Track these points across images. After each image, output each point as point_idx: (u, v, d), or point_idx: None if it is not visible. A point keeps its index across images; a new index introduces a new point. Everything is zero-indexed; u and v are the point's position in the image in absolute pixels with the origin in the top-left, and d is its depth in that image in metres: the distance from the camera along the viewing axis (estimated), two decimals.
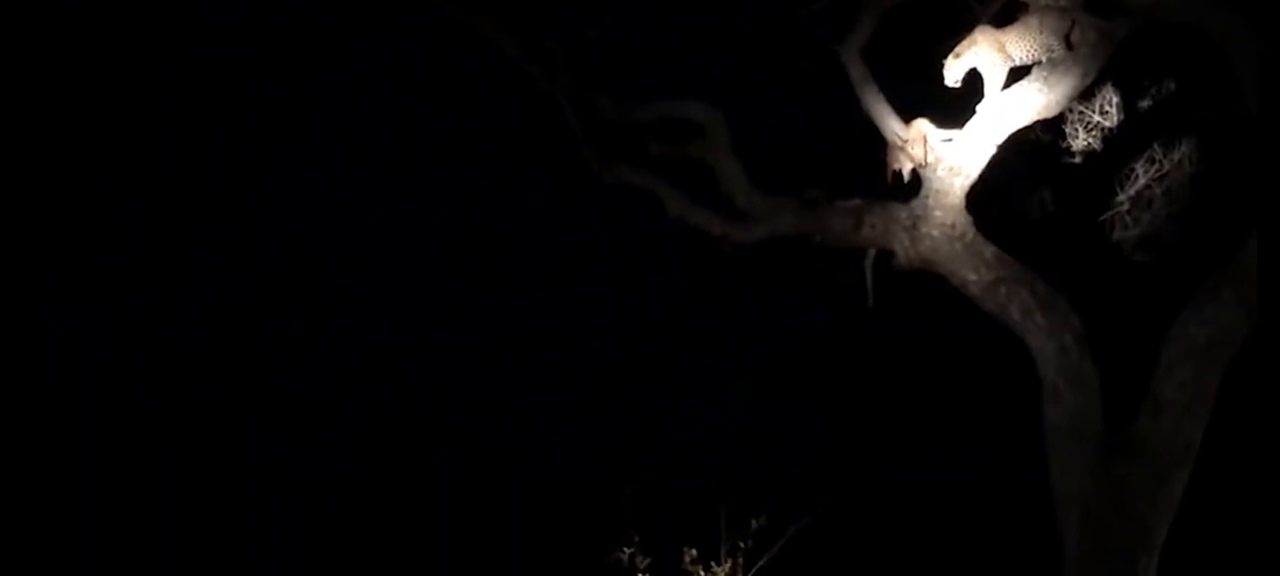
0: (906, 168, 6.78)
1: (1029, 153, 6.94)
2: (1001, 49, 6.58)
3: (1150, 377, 6.43)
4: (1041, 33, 6.51)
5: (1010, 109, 6.63)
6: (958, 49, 6.62)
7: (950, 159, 6.63)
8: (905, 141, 6.62)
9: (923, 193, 6.70)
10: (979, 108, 6.63)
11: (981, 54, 6.58)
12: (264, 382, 10.93)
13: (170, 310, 10.88)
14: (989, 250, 6.60)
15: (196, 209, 10.95)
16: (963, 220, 6.65)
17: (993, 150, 6.65)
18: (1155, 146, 6.88)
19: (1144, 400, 6.42)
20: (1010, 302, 6.55)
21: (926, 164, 6.61)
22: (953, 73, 6.64)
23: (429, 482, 10.77)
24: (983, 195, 6.79)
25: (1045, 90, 6.57)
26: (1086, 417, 6.47)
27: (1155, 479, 6.41)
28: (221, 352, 10.94)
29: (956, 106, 6.72)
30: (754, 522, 7.80)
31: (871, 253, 7.01)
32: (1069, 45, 6.47)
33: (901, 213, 6.73)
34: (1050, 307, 6.52)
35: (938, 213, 6.64)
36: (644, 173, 7.16)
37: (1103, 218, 6.95)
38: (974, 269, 6.59)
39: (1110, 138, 6.98)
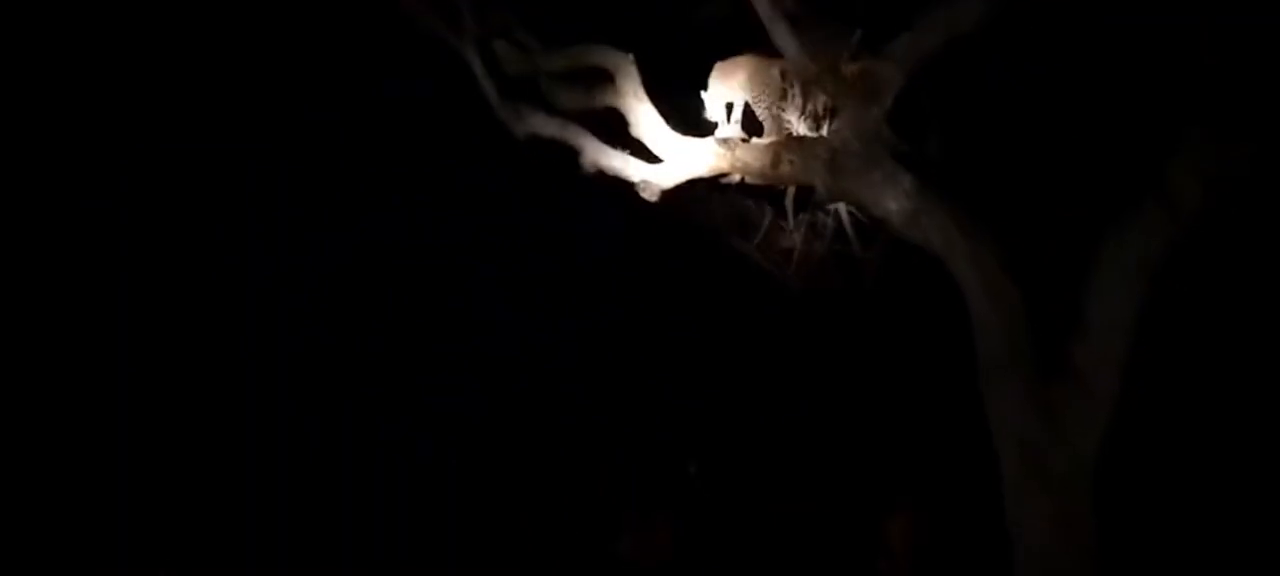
0: (820, 102, 6.35)
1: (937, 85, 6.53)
2: (729, 81, 6.55)
3: (1078, 301, 6.07)
4: None
5: (926, 39, 6.23)
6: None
7: (865, 88, 6.19)
8: (817, 74, 6.18)
9: (840, 125, 6.27)
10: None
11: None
12: (260, 387, 10.42)
13: (170, 310, 10.51)
14: (908, 179, 6.20)
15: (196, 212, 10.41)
16: (880, 150, 6.23)
17: (904, 79, 6.23)
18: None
19: (1072, 323, 6.06)
20: (931, 231, 6.15)
21: (840, 95, 6.17)
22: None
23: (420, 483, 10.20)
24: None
25: (961, 15, 6.18)
26: (1015, 343, 6.11)
27: (1087, 401, 6.08)
28: (222, 353, 10.49)
29: (874, 36, 6.30)
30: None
31: (791, 190, 6.58)
32: None
33: (819, 146, 6.29)
34: (972, 235, 6.12)
35: (856, 144, 6.21)
36: (556, 122, 6.66)
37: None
38: (894, 199, 6.18)
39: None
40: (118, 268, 10.29)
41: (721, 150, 6.44)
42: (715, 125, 6.67)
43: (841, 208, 6.65)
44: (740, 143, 6.45)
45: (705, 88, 6.60)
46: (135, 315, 10.41)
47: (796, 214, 6.76)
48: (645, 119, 6.52)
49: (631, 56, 6.51)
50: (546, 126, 6.69)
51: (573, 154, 6.68)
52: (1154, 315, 6.17)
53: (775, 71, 6.41)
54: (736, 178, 6.48)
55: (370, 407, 10.25)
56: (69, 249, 10.19)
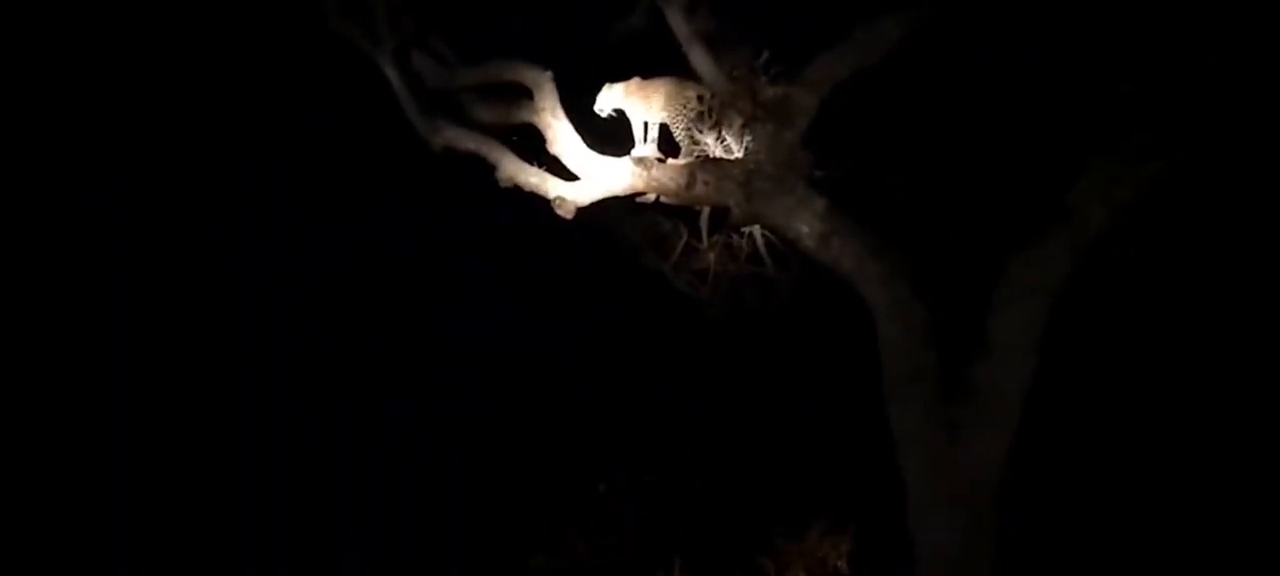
0: (736, 125, 6.38)
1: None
2: (647, 101, 6.53)
3: (983, 321, 6.20)
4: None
5: (837, 64, 6.30)
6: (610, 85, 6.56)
7: (780, 112, 6.24)
8: (733, 96, 6.21)
9: (754, 148, 6.31)
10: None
11: (629, 101, 6.54)
12: (260, 387, 10.38)
13: (170, 310, 10.47)
14: (820, 203, 6.25)
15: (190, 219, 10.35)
16: (793, 174, 6.28)
17: (818, 103, 6.29)
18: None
19: (978, 343, 6.19)
20: (843, 254, 6.21)
21: (756, 118, 6.20)
22: (601, 103, 6.59)
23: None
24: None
25: (870, 42, 6.26)
26: (921, 363, 6.18)
27: (991, 419, 6.18)
28: (222, 353, 10.45)
29: (789, 60, 6.35)
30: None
31: (706, 210, 6.62)
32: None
33: (734, 168, 6.32)
34: (881, 257, 6.20)
35: (769, 167, 6.25)
36: (474, 136, 6.60)
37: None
38: (806, 222, 6.23)
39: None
40: (118, 268, 10.19)
41: (637, 169, 6.44)
42: (625, 136, 6.67)
43: (756, 229, 6.69)
44: (656, 162, 6.45)
45: (608, 94, 6.59)
46: (135, 315, 10.32)
47: (711, 234, 6.80)
48: (562, 136, 6.50)
49: (550, 73, 6.48)
50: (464, 140, 6.64)
51: (489, 168, 6.63)
52: (1059, 334, 6.35)
53: (691, 93, 6.42)
54: (652, 197, 6.49)
55: (370, 407, 10.20)
56: (69, 249, 10.09)
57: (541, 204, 6.61)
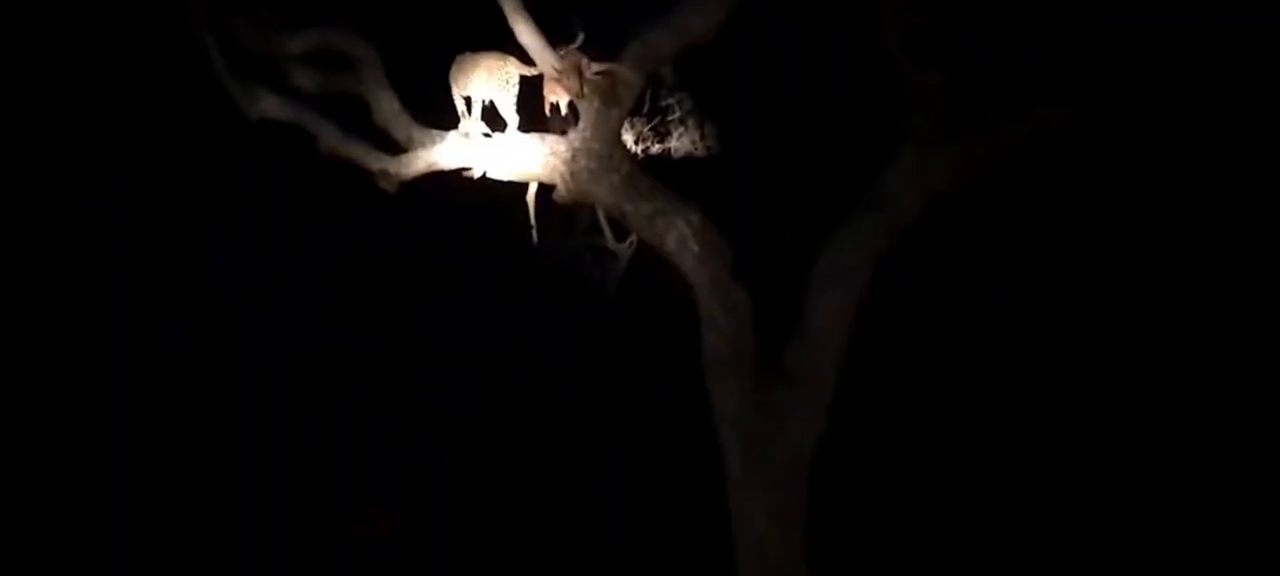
0: (563, 100, 6.34)
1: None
2: (467, 76, 6.38)
3: (799, 304, 6.32)
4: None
5: (662, 42, 6.29)
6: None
7: (607, 90, 6.21)
8: (560, 72, 6.15)
9: (580, 125, 6.28)
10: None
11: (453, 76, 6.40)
12: (253, 383, 10.36)
13: (167, 309, 10.46)
14: (645, 182, 6.26)
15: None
16: (619, 152, 6.28)
17: (643, 84, 6.29)
18: None
19: (794, 325, 6.31)
20: (666, 233, 6.24)
21: (582, 95, 6.16)
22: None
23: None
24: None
25: (694, 19, 6.25)
26: (740, 343, 6.27)
27: (805, 399, 6.31)
28: (216, 351, 10.44)
29: (612, 38, 6.31)
30: None
31: (532, 186, 6.58)
32: None
33: (560, 146, 6.28)
34: (704, 238, 6.25)
35: (595, 145, 6.23)
36: (293, 106, 6.42)
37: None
38: (631, 200, 6.24)
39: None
40: (118, 267, 10.12)
41: (463, 144, 6.36)
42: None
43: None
44: (482, 137, 6.38)
45: (449, 81, 6.47)
46: (135, 315, 10.27)
47: (540, 210, 6.77)
48: (387, 108, 6.37)
49: (374, 45, 6.33)
50: (282, 110, 6.46)
51: (310, 139, 6.47)
52: (872, 318, 6.52)
53: (512, 69, 6.33)
54: (478, 172, 6.42)
55: (360, 404, 10.18)
56: (69, 249, 10.00)
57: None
